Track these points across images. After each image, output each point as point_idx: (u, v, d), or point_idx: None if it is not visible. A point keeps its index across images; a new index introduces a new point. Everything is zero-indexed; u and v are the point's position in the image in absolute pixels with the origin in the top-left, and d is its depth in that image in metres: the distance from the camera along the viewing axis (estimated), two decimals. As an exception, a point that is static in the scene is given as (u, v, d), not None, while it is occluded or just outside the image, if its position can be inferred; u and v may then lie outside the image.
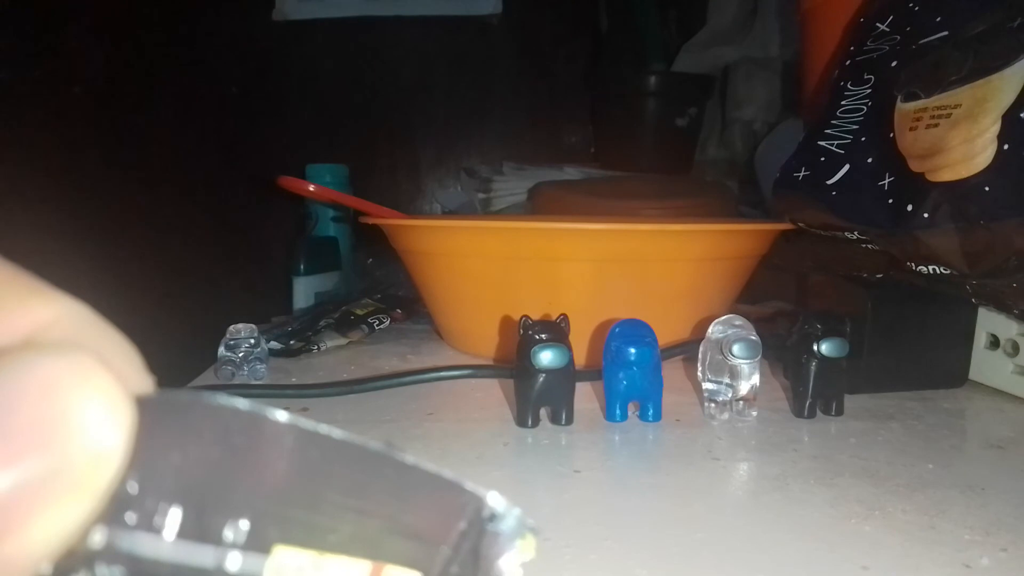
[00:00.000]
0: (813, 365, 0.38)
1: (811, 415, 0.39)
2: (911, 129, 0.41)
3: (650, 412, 0.38)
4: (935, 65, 0.41)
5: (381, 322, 0.62)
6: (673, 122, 1.07)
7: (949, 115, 0.38)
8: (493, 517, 0.12)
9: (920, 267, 0.41)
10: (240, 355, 0.46)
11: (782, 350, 0.42)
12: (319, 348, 0.54)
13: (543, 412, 0.38)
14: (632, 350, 0.36)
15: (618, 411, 0.38)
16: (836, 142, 0.47)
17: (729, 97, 1.03)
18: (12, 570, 0.09)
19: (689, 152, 1.10)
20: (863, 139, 0.45)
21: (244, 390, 0.43)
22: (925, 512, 0.28)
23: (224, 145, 1.18)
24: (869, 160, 0.44)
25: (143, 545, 0.10)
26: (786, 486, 0.30)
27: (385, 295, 0.73)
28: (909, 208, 0.40)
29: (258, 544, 0.10)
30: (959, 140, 0.37)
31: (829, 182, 0.46)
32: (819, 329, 0.38)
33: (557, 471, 0.32)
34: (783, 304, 0.64)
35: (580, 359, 0.43)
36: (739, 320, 0.37)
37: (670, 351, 0.46)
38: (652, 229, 0.49)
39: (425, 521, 0.12)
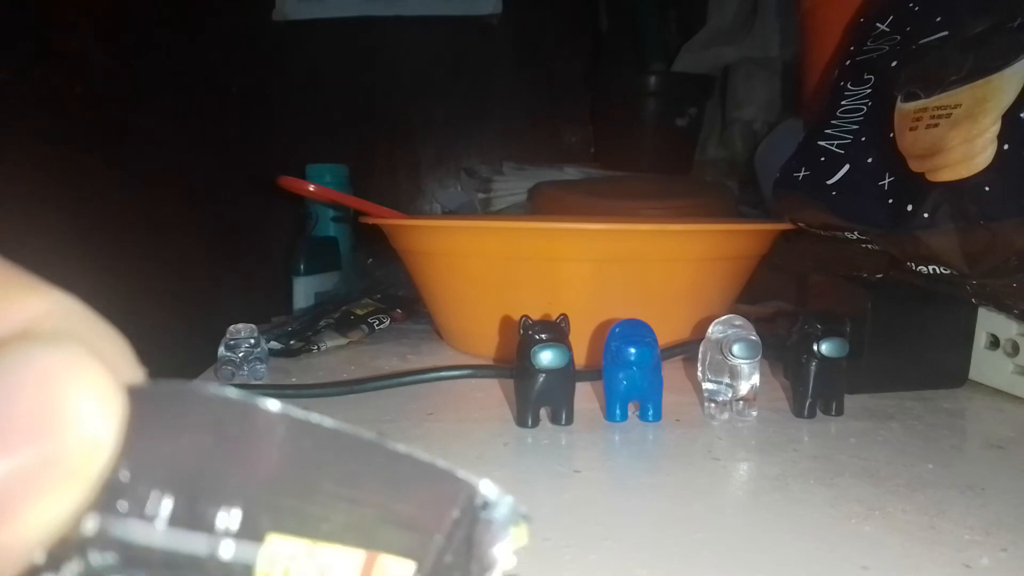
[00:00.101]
0: (813, 365, 0.38)
1: (811, 415, 0.39)
2: (911, 129, 0.41)
3: (650, 412, 0.38)
4: (935, 65, 0.41)
5: (381, 322, 0.62)
6: (673, 122, 1.07)
7: (949, 115, 0.38)
8: (486, 505, 0.12)
9: (920, 267, 0.41)
10: (240, 355, 0.46)
11: (782, 350, 0.42)
12: (319, 348, 0.54)
13: (543, 412, 0.38)
14: (632, 350, 0.36)
15: (618, 411, 0.38)
16: (836, 142, 0.47)
17: (729, 97, 1.03)
18: (6, 557, 0.09)
19: (689, 152, 1.10)
20: (863, 139, 0.45)
21: (244, 390, 0.43)
22: (925, 512, 0.28)
23: (224, 145, 1.18)
24: (869, 160, 0.44)
25: (135, 532, 0.10)
26: (786, 486, 0.30)
27: (385, 295, 0.73)
28: (909, 208, 0.40)
29: (251, 532, 0.10)
30: (959, 140, 0.37)
31: (829, 182, 0.46)
32: (819, 329, 0.38)
33: (557, 471, 0.32)
34: (783, 304, 0.64)
35: (580, 359, 0.43)
36: (739, 320, 0.37)
37: (670, 351, 0.46)
38: (652, 229, 0.49)
39: (418, 510, 0.12)
